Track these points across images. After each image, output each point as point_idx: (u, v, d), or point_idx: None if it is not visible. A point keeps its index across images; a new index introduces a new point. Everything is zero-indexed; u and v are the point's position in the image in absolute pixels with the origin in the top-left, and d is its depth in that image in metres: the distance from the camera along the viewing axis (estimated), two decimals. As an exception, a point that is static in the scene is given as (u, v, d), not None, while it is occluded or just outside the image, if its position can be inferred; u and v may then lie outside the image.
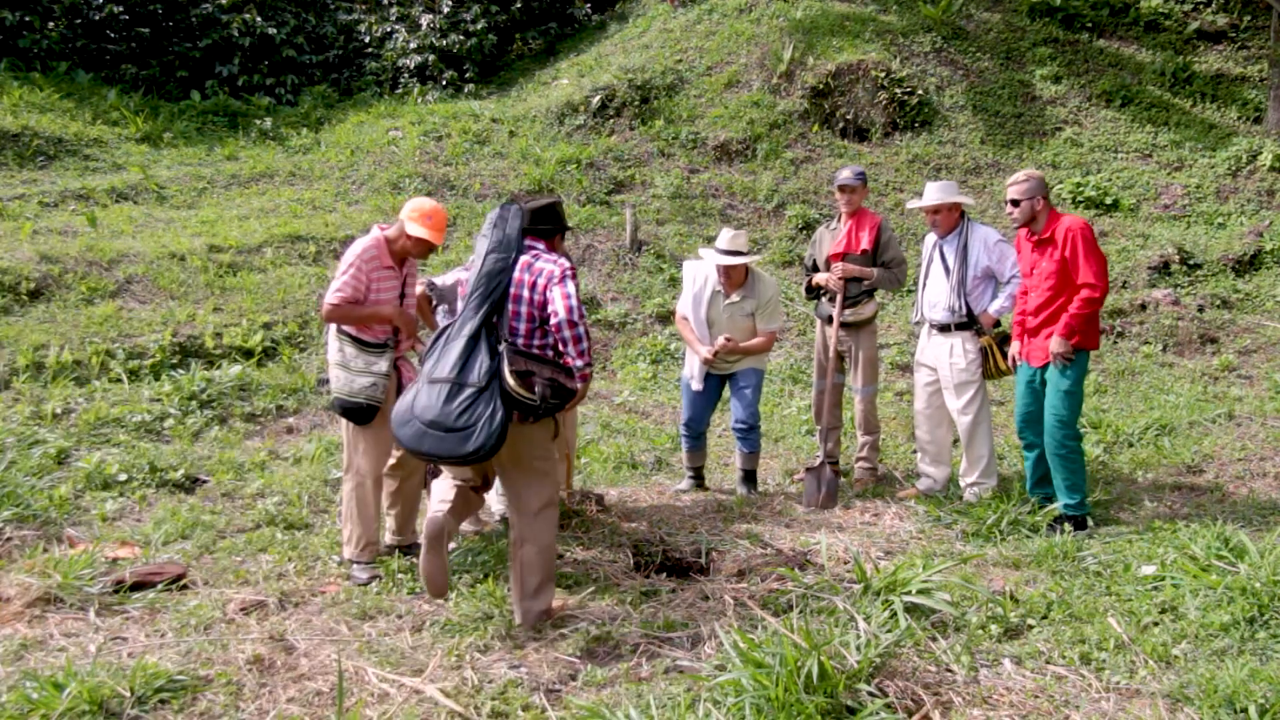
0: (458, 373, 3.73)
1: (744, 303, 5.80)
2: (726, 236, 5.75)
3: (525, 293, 3.87)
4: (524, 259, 3.92)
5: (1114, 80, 12.72)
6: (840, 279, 5.83)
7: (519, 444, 3.85)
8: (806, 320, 9.13)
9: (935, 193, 5.54)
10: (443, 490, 4.01)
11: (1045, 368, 5.05)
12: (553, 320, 3.82)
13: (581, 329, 3.83)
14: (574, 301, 3.81)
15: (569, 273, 3.88)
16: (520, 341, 3.87)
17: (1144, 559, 4.30)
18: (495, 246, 3.91)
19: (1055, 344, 4.89)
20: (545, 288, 3.85)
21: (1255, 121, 12.17)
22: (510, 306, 3.87)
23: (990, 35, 13.34)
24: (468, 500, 4.05)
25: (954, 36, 13.14)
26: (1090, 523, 5.00)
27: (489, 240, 3.93)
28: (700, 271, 5.90)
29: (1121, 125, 12.18)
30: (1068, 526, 4.90)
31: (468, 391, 3.70)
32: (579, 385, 3.92)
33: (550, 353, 3.91)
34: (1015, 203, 5.06)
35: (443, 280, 4.90)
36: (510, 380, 3.71)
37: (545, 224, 4.08)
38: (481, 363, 3.75)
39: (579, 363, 3.85)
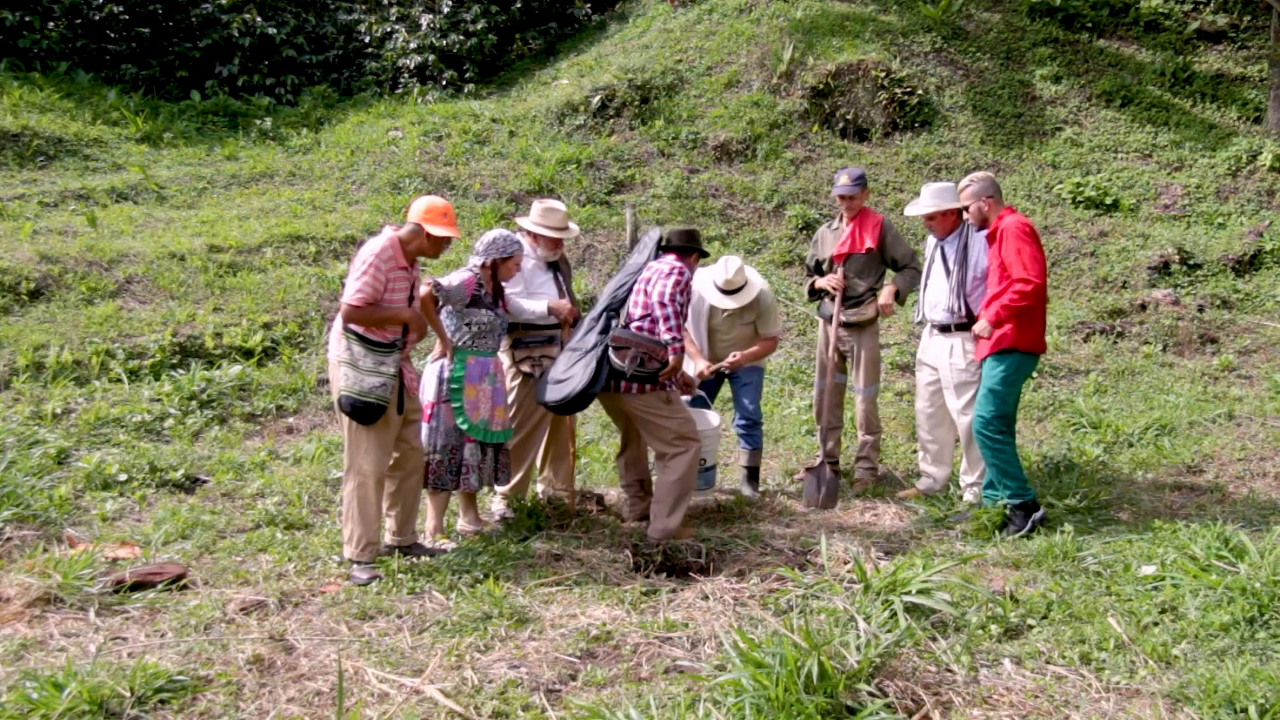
0: (578, 341, 4.93)
1: (743, 311, 5.79)
2: (723, 275, 5.65)
3: (644, 286, 4.97)
4: (653, 264, 5.03)
5: (1114, 80, 12.72)
6: (840, 285, 5.84)
7: (639, 407, 4.97)
8: (807, 320, 9.13)
9: (930, 199, 5.53)
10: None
11: (983, 364, 5.12)
12: (649, 299, 4.88)
13: (670, 310, 4.83)
14: (670, 291, 4.85)
15: (676, 270, 4.94)
16: (634, 325, 4.89)
17: (1144, 559, 4.30)
18: (636, 256, 5.15)
19: (978, 325, 4.98)
20: (656, 280, 4.91)
21: (1255, 121, 12.17)
22: (633, 298, 4.97)
23: (990, 35, 13.34)
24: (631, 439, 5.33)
25: (954, 36, 13.14)
26: (1041, 509, 5.03)
27: (636, 253, 5.17)
28: (694, 285, 5.86)
29: (1121, 125, 12.18)
30: (1068, 528, 4.90)
31: (576, 354, 4.86)
32: (670, 358, 4.84)
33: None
34: (964, 208, 5.17)
35: (448, 281, 4.93)
36: (611, 351, 4.80)
37: (683, 244, 5.15)
38: (593, 335, 4.89)
39: (666, 337, 4.83)
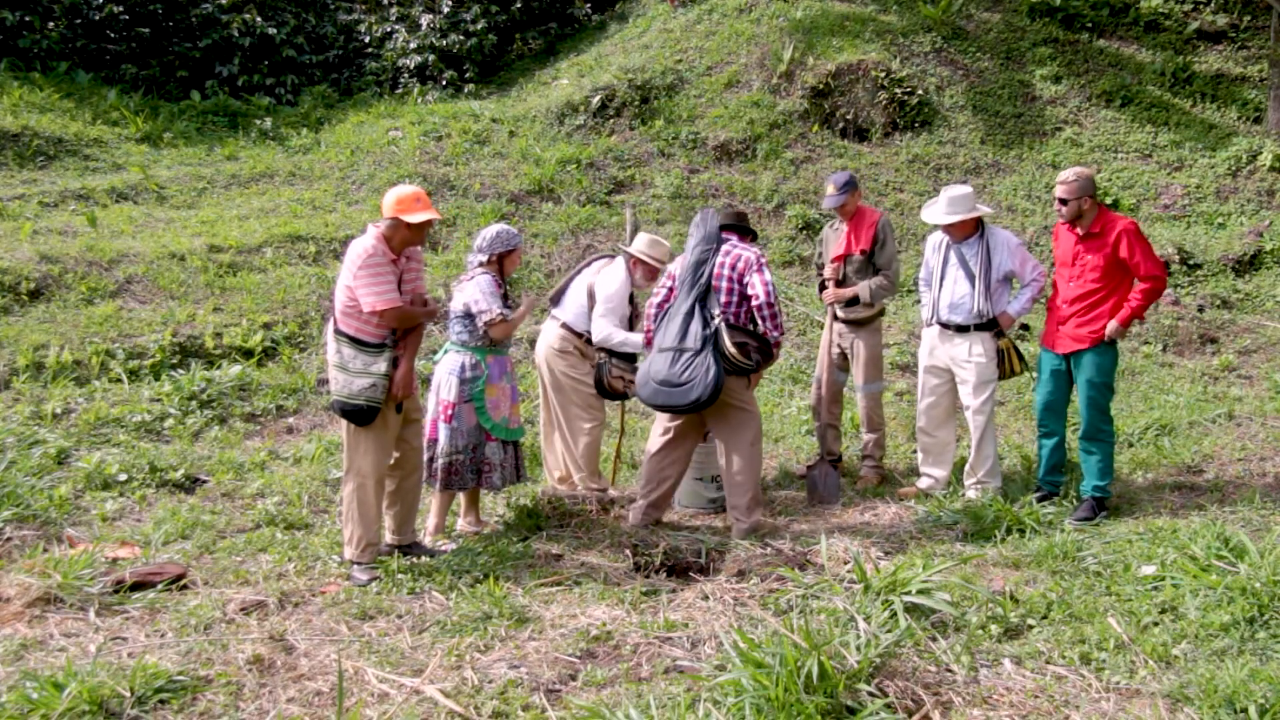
0: (679, 341, 4.80)
1: None
2: None
3: (726, 271, 4.92)
4: (725, 248, 4.98)
5: (1114, 80, 12.71)
6: (833, 299, 5.89)
7: (724, 392, 4.81)
8: (806, 320, 9.13)
9: (949, 208, 5.48)
10: (659, 428, 5.19)
11: (1073, 356, 5.22)
12: (754, 301, 4.87)
13: (777, 308, 4.89)
14: (771, 286, 4.84)
15: (763, 260, 4.95)
16: (730, 317, 4.87)
17: (1144, 559, 4.31)
18: (700, 241, 4.98)
19: (1112, 327, 5.11)
20: (744, 272, 4.91)
21: (1255, 121, 12.16)
22: (715, 283, 4.92)
23: (990, 35, 13.34)
24: (688, 434, 5.17)
25: (954, 36, 13.13)
26: (1106, 507, 5.23)
27: (694, 237, 5.01)
28: None
29: (1121, 125, 12.17)
30: (1068, 527, 4.92)
31: (687, 355, 4.75)
32: (776, 352, 4.99)
33: (749, 324, 4.93)
34: (1064, 201, 5.17)
35: (484, 302, 4.97)
36: (733, 349, 4.76)
37: (740, 224, 5.17)
38: (695, 331, 4.78)
39: (775, 334, 4.91)
